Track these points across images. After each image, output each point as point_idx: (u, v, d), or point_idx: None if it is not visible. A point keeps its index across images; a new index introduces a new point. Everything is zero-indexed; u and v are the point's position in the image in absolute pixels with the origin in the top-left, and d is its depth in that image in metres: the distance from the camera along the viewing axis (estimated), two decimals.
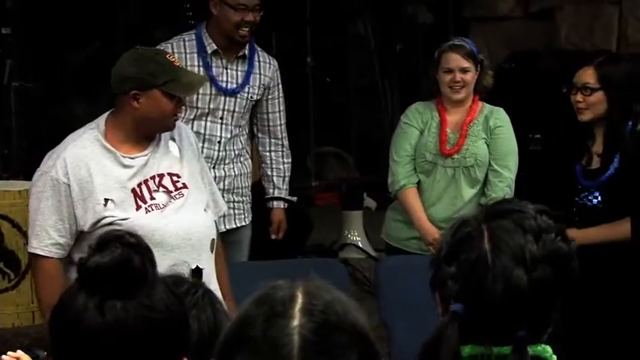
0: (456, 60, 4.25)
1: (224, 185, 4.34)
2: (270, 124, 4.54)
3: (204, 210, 3.48)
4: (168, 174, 3.42)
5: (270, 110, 4.52)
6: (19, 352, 2.09)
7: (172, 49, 4.22)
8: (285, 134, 4.60)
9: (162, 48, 4.16)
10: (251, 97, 4.40)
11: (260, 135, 4.57)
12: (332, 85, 7.76)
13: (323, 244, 6.21)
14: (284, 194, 4.63)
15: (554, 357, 1.65)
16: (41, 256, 3.35)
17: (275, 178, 4.59)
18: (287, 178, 4.63)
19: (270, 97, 4.49)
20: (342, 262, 5.09)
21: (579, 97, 3.98)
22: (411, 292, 3.89)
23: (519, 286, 1.59)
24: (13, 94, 6.20)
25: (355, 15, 7.55)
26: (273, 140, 4.57)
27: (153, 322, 1.57)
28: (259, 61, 4.45)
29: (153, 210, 3.35)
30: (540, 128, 5.62)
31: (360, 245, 6.14)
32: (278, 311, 1.25)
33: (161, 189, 3.39)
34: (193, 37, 4.34)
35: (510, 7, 7.11)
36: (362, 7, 7.47)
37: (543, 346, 1.64)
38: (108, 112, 3.44)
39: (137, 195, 3.35)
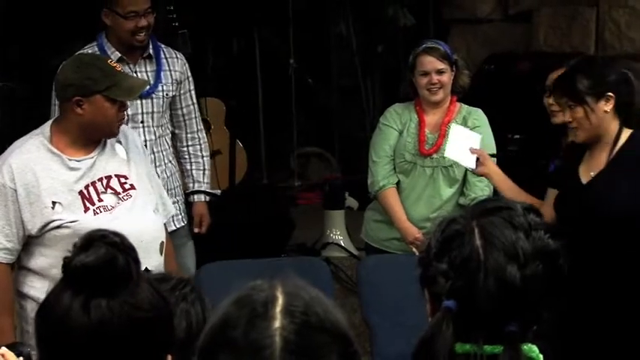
0: (432, 62, 4.26)
1: None
2: (185, 118, 4.45)
3: (154, 212, 3.48)
4: (116, 175, 3.41)
5: (183, 105, 4.43)
6: (4, 349, 2.09)
7: None
8: (200, 127, 4.51)
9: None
10: (166, 95, 4.33)
11: (177, 131, 4.46)
12: (314, 86, 7.76)
13: (305, 243, 6.21)
14: (204, 187, 4.52)
15: (541, 356, 1.65)
16: None
17: (194, 172, 4.49)
18: (207, 172, 4.53)
19: (182, 91, 4.41)
20: (325, 261, 5.09)
21: (551, 99, 3.99)
22: (393, 290, 3.91)
23: (512, 283, 1.59)
24: None
25: (337, 16, 7.55)
26: (189, 135, 4.47)
27: (138, 321, 1.56)
28: (166, 58, 4.38)
29: (101, 212, 3.33)
30: (519, 129, 5.65)
31: (342, 244, 6.14)
32: (259, 313, 1.25)
33: (109, 190, 3.37)
34: (96, 48, 4.25)
35: (489, 10, 7.13)
36: (344, 8, 7.47)
37: (530, 345, 1.63)
38: (52, 119, 3.44)
39: (85, 197, 3.33)
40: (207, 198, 4.54)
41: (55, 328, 1.56)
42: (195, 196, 4.51)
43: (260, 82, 7.53)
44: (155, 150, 4.31)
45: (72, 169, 3.35)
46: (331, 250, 6.08)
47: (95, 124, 3.34)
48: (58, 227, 3.27)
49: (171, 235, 4.26)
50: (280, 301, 1.26)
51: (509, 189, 3.78)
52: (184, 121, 4.46)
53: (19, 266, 3.39)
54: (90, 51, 4.22)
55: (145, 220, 3.40)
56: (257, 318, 1.25)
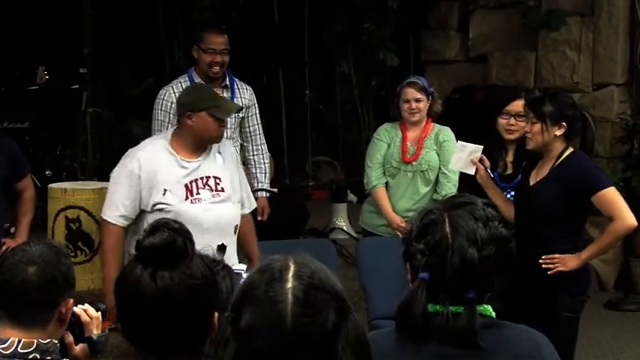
0: (412, 93, 4.24)
1: None
2: (252, 134, 4.41)
3: (234, 204, 3.51)
4: (213, 177, 3.46)
5: (250, 124, 4.39)
6: (86, 305, 2.08)
7: (173, 89, 4.14)
8: (263, 140, 4.45)
9: (166, 89, 4.16)
10: (237, 115, 4.28)
11: (245, 144, 4.42)
12: (324, 110, 7.76)
13: (317, 228, 6.21)
14: (266, 186, 4.47)
15: (494, 313, 1.65)
16: (110, 223, 3.44)
17: (258, 175, 4.44)
18: (268, 174, 4.47)
19: (249, 114, 4.37)
20: (332, 241, 5.08)
21: (512, 121, 3.97)
22: (383, 264, 3.89)
23: (472, 261, 1.58)
24: (88, 118, 6.20)
25: (341, 59, 7.56)
26: (254, 146, 4.42)
27: (192, 286, 1.55)
28: (238, 88, 4.34)
29: (196, 202, 3.38)
30: (476, 142, 5.60)
31: (345, 229, 6.14)
32: (276, 277, 1.24)
33: (206, 187, 3.43)
34: (187, 78, 4.23)
35: (455, 53, 7.13)
36: (346, 53, 7.49)
37: (485, 306, 1.63)
38: (174, 128, 3.54)
39: (188, 189, 3.39)
40: (268, 194, 4.50)
41: (130, 293, 1.55)
42: (259, 193, 4.44)
43: (283, 107, 7.55)
44: None
45: (183, 167, 3.41)
46: (337, 234, 6.08)
47: (200, 133, 3.40)
48: (163, 209, 3.34)
49: None
50: (292, 268, 1.25)
51: (494, 193, 3.72)
52: (251, 136, 4.41)
53: (131, 231, 3.46)
54: (182, 81, 4.23)
55: (225, 210, 3.44)
56: (274, 281, 1.24)
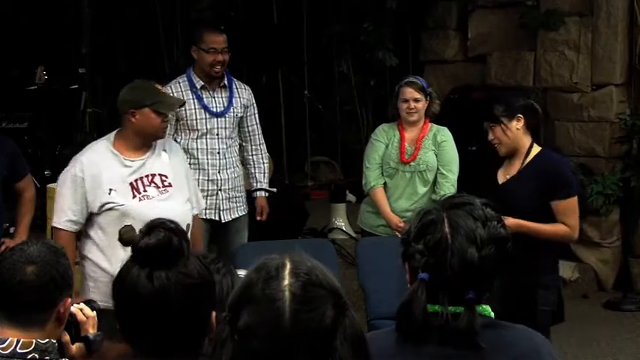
0: (410, 92, 4.24)
1: (229, 185, 4.24)
2: (251, 134, 4.40)
3: (184, 203, 3.48)
4: (159, 174, 3.43)
5: (249, 124, 4.38)
6: (81, 304, 2.07)
7: (172, 89, 4.15)
8: (262, 140, 4.45)
9: (164, 88, 4.12)
10: (236, 115, 4.29)
11: (244, 144, 4.42)
12: (323, 110, 7.76)
13: (316, 228, 6.20)
14: (264, 186, 4.46)
15: (492, 313, 1.64)
16: (59, 229, 3.39)
17: (257, 175, 4.44)
18: (266, 174, 4.46)
19: (248, 114, 4.36)
20: (331, 241, 5.08)
21: None
22: (381, 264, 3.89)
23: (471, 261, 1.57)
24: (87, 118, 6.20)
25: (340, 59, 7.56)
26: (253, 146, 4.42)
27: (189, 286, 1.54)
28: (236, 88, 4.34)
29: (144, 199, 3.36)
30: (475, 142, 5.61)
31: (344, 229, 6.14)
32: (272, 275, 1.24)
33: (152, 185, 3.40)
34: (185, 78, 4.24)
35: (454, 53, 7.12)
36: (345, 53, 7.48)
37: (484, 306, 1.63)
38: (117, 130, 3.48)
39: (134, 187, 3.37)
40: (267, 194, 4.48)
41: (127, 294, 1.54)
42: (258, 193, 4.44)
43: (282, 107, 7.54)
44: (227, 156, 4.26)
45: (126, 166, 3.38)
46: (336, 234, 6.08)
47: (144, 130, 3.37)
48: (111, 209, 3.32)
49: (234, 220, 4.30)
50: (288, 265, 1.25)
51: (536, 226, 3.48)
52: (250, 136, 4.40)
53: (83, 235, 3.43)
54: (181, 81, 4.23)
55: (175, 207, 3.39)
56: (271, 279, 1.23)
